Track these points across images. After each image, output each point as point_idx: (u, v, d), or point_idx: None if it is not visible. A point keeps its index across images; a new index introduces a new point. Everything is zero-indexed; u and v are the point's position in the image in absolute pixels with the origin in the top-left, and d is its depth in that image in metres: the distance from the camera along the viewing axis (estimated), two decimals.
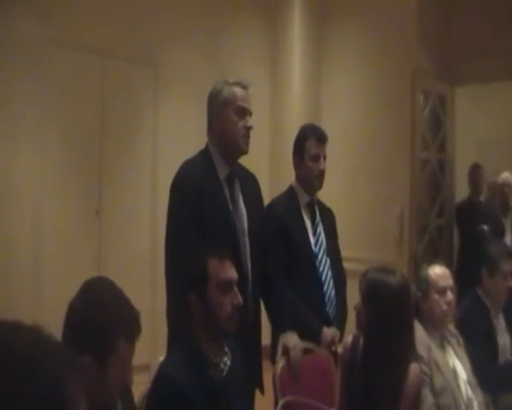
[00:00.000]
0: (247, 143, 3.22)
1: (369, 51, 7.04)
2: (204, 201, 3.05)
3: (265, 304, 3.39)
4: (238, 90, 3.22)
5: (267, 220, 3.45)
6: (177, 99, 6.68)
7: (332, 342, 3.61)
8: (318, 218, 3.81)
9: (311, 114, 7.23)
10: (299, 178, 3.82)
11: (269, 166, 7.28)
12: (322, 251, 3.73)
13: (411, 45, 6.68)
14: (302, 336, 3.39)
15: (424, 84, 6.76)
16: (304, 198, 3.78)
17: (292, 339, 3.32)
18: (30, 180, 5.69)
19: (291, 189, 3.84)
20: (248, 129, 3.21)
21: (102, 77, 6.13)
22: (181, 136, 6.46)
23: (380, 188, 6.80)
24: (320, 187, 3.82)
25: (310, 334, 3.50)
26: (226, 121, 3.19)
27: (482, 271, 3.83)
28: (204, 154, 3.26)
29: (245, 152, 3.24)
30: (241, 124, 3.19)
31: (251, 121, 3.24)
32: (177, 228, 3.07)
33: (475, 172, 7.16)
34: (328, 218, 3.89)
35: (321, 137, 3.76)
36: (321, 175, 3.76)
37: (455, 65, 6.92)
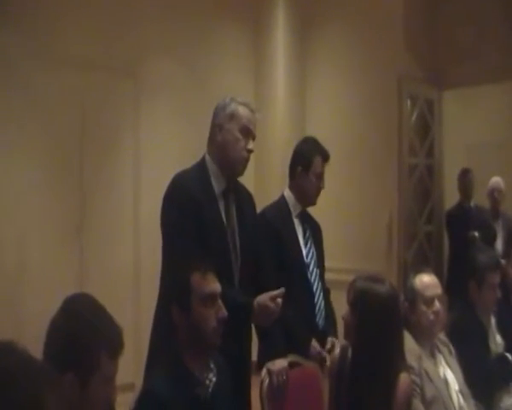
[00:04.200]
0: (245, 168, 3.19)
1: (354, 57, 7.02)
2: (202, 216, 2.98)
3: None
4: (246, 111, 3.16)
5: (260, 228, 3.40)
6: (158, 111, 6.60)
7: (319, 355, 3.59)
8: (309, 229, 3.85)
9: (296, 122, 7.22)
10: (296, 188, 3.83)
11: (254, 173, 7.20)
12: (313, 262, 3.77)
13: (397, 50, 6.68)
14: (291, 346, 3.36)
15: (411, 88, 6.76)
16: (296, 209, 3.82)
17: (278, 364, 3.19)
18: (10, 196, 5.59)
19: (283, 198, 3.86)
20: (249, 152, 3.15)
21: (83, 89, 6.03)
22: (163, 149, 6.39)
23: (367, 195, 6.76)
24: (315, 203, 3.88)
25: (298, 345, 3.49)
26: (228, 134, 3.12)
27: (470, 283, 3.78)
28: (199, 167, 3.16)
29: (240, 175, 3.21)
30: (242, 144, 3.11)
31: (252, 145, 3.17)
32: (180, 240, 2.96)
33: (465, 177, 7.15)
34: (315, 230, 3.92)
35: (327, 157, 3.87)
36: (319, 193, 3.85)
37: (442, 69, 6.92)
